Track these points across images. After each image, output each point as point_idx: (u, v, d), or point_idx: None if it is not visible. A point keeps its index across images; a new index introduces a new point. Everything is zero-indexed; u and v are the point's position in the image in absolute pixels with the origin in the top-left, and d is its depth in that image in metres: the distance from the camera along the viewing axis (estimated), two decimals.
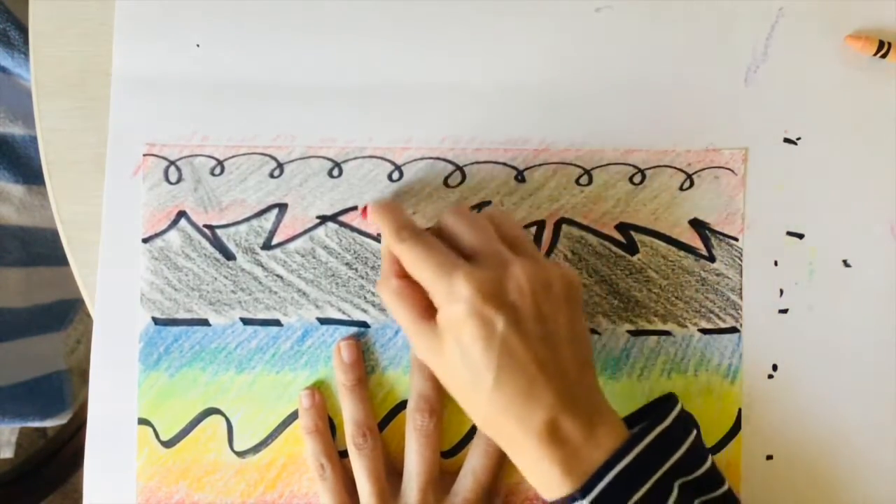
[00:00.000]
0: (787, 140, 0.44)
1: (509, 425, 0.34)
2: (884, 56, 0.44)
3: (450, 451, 0.43)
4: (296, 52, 0.44)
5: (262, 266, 0.43)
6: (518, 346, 0.33)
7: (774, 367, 0.43)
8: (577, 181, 0.44)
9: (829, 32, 0.44)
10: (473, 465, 0.41)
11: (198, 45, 0.44)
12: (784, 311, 0.44)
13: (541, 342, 0.34)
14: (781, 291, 0.44)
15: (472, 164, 0.44)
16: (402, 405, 0.43)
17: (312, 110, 0.44)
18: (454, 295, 0.34)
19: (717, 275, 0.43)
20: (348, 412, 0.42)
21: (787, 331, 0.44)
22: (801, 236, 0.44)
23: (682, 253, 0.43)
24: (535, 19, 0.44)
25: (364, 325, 0.43)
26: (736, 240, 0.43)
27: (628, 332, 0.43)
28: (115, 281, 0.43)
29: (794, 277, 0.44)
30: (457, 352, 0.34)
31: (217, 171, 0.43)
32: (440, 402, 0.41)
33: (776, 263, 0.44)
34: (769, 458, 0.43)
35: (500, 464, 0.41)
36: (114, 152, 0.43)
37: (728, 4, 0.44)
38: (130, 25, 0.44)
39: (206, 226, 0.43)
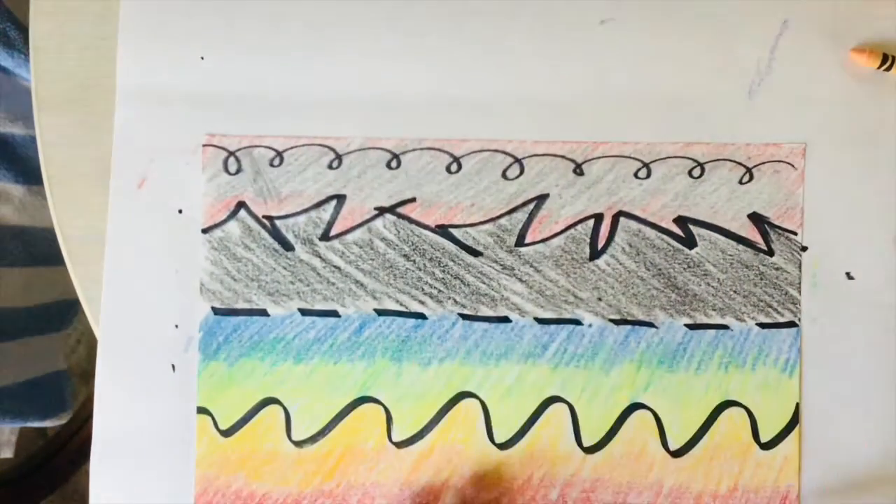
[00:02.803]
0: None
1: None
2: (888, 69, 0.43)
3: (505, 442, 0.43)
4: (303, 63, 0.44)
5: (321, 257, 0.43)
6: None
7: None
8: (635, 174, 0.44)
9: (833, 46, 0.44)
10: None
11: (202, 58, 0.44)
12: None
13: None
14: None
15: (531, 156, 0.44)
16: (459, 396, 0.43)
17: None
18: None
19: (776, 269, 0.43)
20: None
21: None
22: (804, 248, 0.44)
23: (740, 247, 0.43)
24: (539, 31, 0.44)
25: (422, 316, 0.43)
26: (795, 234, 0.43)
27: (686, 325, 0.43)
28: (120, 294, 0.43)
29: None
30: None
31: (276, 161, 0.44)
32: None
33: None
34: None
35: None
36: (119, 166, 0.43)
37: (732, 17, 0.44)
38: (134, 39, 0.44)
39: (265, 216, 0.43)
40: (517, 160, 0.44)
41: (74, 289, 0.44)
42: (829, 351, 0.43)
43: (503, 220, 0.43)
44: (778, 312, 0.43)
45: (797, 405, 0.43)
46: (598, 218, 0.44)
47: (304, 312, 0.43)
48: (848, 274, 0.44)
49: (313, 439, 0.43)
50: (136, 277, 0.43)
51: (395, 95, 0.44)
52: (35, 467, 0.83)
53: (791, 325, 0.43)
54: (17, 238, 0.63)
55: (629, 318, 0.43)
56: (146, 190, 0.44)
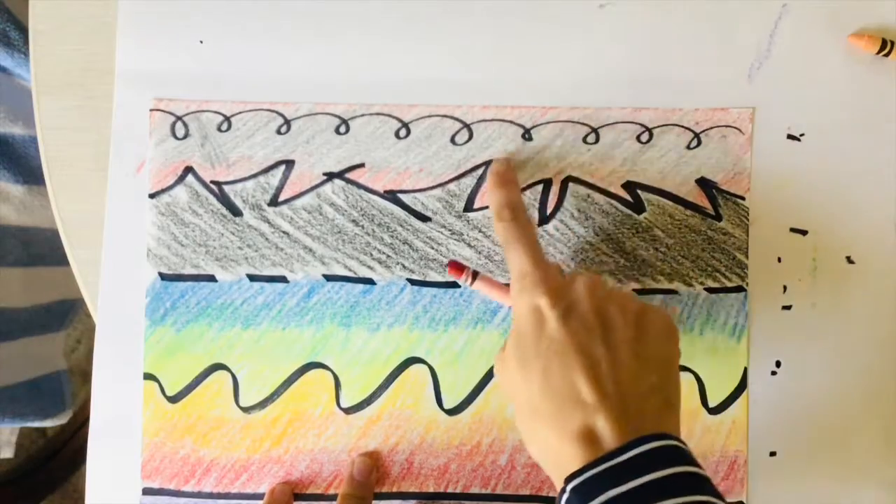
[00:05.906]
0: (790, 136, 0.44)
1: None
2: (886, 55, 0.43)
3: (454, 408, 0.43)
4: (301, 48, 0.44)
5: (269, 222, 0.43)
6: (564, 335, 0.34)
7: (778, 364, 0.43)
8: (584, 139, 0.44)
9: (832, 30, 0.44)
10: None
11: (201, 42, 0.44)
12: (787, 308, 0.44)
13: (596, 339, 0.34)
14: (785, 288, 0.44)
15: (480, 121, 0.44)
16: (408, 362, 0.43)
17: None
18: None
19: (724, 234, 0.43)
20: None
21: (790, 327, 0.43)
22: (804, 233, 0.44)
23: (688, 212, 0.43)
24: (538, 15, 0.44)
25: (370, 281, 0.43)
26: (743, 199, 0.43)
27: (634, 290, 0.43)
28: (118, 277, 0.43)
29: (798, 274, 0.44)
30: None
31: (224, 126, 0.43)
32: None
33: (779, 260, 0.44)
34: (773, 454, 0.43)
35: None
36: (117, 150, 0.43)
37: (732, 2, 0.44)
38: (133, 23, 0.43)
39: (213, 182, 0.43)
40: (466, 125, 0.44)
41: (74, 289, 0.44)
42: (829, 335, 0.43)
43: (452, 186, 0.43)
44: (726, 277, 0.43)
45: (745, 370, 0.43)
46: (547, 183, 0.43)
47: (252, 278, 0.43)
48: (848, 258, 0.44)
49: (261, 405, 0.43)
50: (134, 260, 0.43)
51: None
52: (35, 467, 0.83)
53: (739, 289, 0.43)
54: (17, 238, 0.63)
55: None
56: (145, 174, 0.43)
